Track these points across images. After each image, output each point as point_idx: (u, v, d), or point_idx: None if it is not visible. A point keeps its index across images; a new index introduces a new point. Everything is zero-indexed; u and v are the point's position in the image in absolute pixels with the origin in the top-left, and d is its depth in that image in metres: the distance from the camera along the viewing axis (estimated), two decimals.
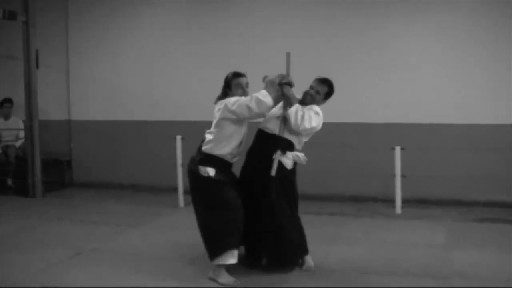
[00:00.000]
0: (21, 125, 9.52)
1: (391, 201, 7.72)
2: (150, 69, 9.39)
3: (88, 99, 9.79)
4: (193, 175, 5.01)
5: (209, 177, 4.88)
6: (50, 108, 9.81)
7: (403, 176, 7.52)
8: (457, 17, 8.02)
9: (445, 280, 4.87)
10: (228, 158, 4.98)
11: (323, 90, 5.18)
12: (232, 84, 4.99)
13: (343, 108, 8.32)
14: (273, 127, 5.10)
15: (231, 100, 4.83)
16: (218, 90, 5.06)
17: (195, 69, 9.05)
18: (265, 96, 4.72)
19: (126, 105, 9.53)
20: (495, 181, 7.82)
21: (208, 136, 4.98)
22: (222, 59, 8.82)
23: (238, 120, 4.87)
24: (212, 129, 4.98)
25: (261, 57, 8.27)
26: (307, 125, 4.96)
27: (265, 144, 5.11)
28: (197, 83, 8.93)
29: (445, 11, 8.03)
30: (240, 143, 5.01)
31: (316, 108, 5.10)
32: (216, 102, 5.01)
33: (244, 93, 4.97)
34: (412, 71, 8.20)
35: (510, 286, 4.74)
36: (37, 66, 8.79)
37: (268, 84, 4.85)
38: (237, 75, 5.05)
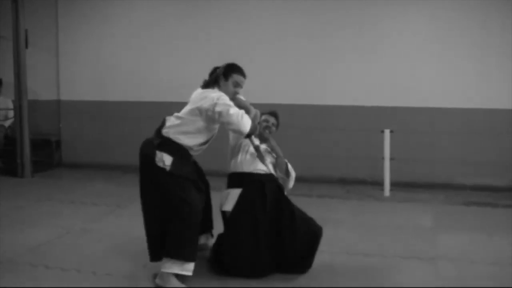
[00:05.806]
0: (10, 105, 9.47)
1: (379, 184, 7.78)
2: (140, 50, 9.34)
3: (77, 79, 9.74)
4: (148, 162, 4.43)
5: (164, 169, 4.33)
6: (39, 88, 9.76)
7: (392, 159, 7.57)
8: (447, 1, 8.03)
9: (432, 262, 4.92)
10: (189, 150, 4.52)
11: (275, 122, 5.27)
12: (231, 78, 4.48)
13: (333, 90, 8.36)
14: (265, 167, 4.94)
15: (220, 103, 4.28)
16: (208, 71, 4.72)
17: (185, 50, 9.02)
18: (248, 123, 4.32)
19: (116, 86, 9.49)
20: (482, 165, 7.89)
21: (174, 120, 4.52)
22: (212, 41, 8.81)
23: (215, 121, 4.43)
24: (182, 115, 4.49)
25: (251, 40, 8.30)
26: None
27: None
28: (187, 64, 8.89)
29: None
30: (206, 142, 4.56)
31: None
32: (202, 87, 4.58)
33: (236, 94, 4.51)
34: (402, 54, 8.22)
35: (496, 268, 4.79)
36: (26, 46, 8.75)
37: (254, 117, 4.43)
38: (242, 73, 4.53)
